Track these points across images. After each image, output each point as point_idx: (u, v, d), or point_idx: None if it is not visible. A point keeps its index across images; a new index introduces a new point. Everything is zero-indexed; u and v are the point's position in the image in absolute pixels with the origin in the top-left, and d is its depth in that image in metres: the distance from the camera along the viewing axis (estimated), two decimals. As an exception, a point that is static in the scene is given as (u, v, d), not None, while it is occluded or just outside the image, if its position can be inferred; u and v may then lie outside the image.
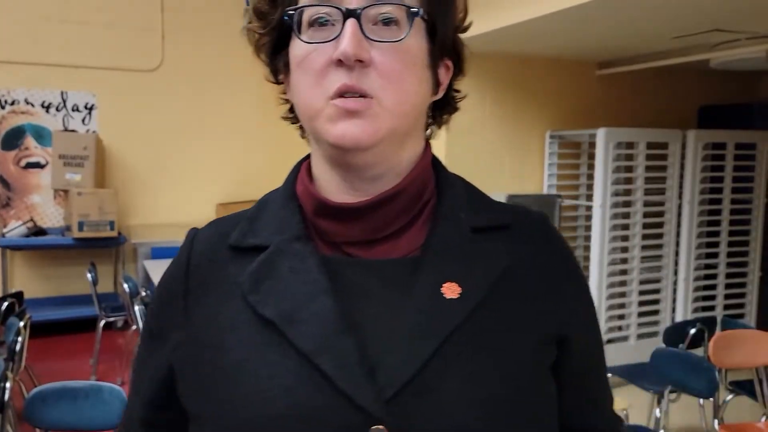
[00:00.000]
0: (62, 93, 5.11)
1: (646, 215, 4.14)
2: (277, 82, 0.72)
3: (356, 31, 0.60)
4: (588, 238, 4.27)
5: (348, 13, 0.61)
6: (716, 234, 4.31)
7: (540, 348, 0.66)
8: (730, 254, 4.36)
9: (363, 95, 0.61)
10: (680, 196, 4.19)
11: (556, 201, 4.30)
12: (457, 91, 0.75)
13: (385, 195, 0.66)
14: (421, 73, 0.66)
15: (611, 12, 3.03)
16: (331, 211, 0.67)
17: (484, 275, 0.65)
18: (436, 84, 0.69)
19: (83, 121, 5.19)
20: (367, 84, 0.61)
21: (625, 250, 4.15)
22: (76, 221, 4.69)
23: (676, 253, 4.25)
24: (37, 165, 5.09)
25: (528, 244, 0.69)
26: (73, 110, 5.16)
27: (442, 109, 0.74)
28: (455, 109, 0.76)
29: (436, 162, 0.74)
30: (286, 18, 0.64)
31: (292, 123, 0.74)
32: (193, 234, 0.73)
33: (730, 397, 3.00)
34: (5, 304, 3.47)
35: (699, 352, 3.15)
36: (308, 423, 0.58)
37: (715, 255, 4.32)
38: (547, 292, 0.68)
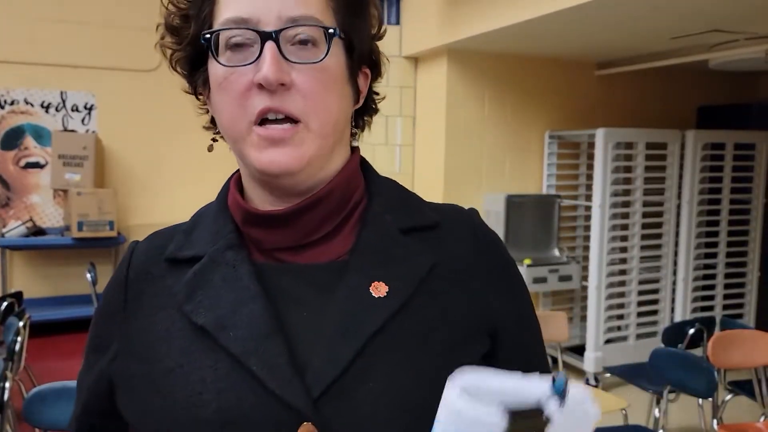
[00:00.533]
0: (62, 93, 5.11)
1: (645, 215, 4.14)
2: (196, 95, 0.72)
3: (276, 54, 0.61)
4: (587, 238, 4.28)
5: (266, 36, 0.61)
6: (715, 234, 4.31)
7: (467, 342, 0.66)
8: (729, 254, 4.37)
9: (287, 116, 0.62)
10: (679, 196, 4.20)
11: (556, 201, 4.31)
12: (376, 93, 0.76)
13: (308, 201, 0.67)
14: (342, 89, 0.67)
15: (611, 12, 3.04)
16: (258, 219, 0.68)
17: (411, 274, 0.66)
18: (357, 94, 0.71)
19: (83, 121, 5.19)
20: (290, 105, 0.62)
21: (624, 250, 4.16)
22: (76, 221, 4.69)
23: (675, 253, 4.26)
24: (37, 165, 5.08)
25: (456, 241, 0.71)
26: (72, 110, 5.15)
27: (363, 113, 0.76)
28: (375, 111, 0.77)
29: (366, 167, 0.75)
30: (203, 41, 0.64)
31: (215, 134, 0.74)
32: (132, 248, 0.74)
33: (729, 397, 3.01)
34: (5, 303, 3.46)
35: (698, 352, 3.15)
36: (240, 423, 0.60)
37: (714, 255, 4.33)
38: (475, 286, 0.69)
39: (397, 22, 4.34)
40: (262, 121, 0.63)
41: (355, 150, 0.74)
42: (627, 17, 3.14)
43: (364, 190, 0.72)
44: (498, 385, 0.48)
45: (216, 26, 0.64)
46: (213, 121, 0.73)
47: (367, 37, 0.70)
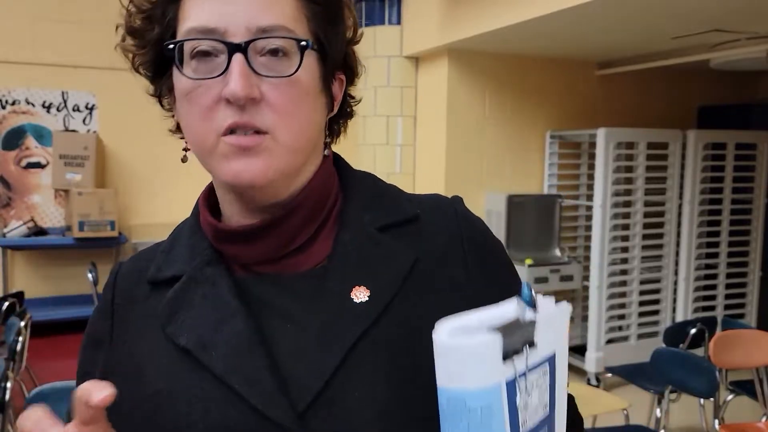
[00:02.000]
0: (63, 93, 5.11)
1: (646, 215, 4.14)
2: (160, 102, 0.70)
3: (244, 68, 0.58)
4: (588, 238, 4.27)
5: (234, 48, 0.58)
6: (716, 234, 4.31)
7: None
8: (730, 254, 4.36)
9: (256, 131, 0.59)
10: (680, 196, 4.20)
11: (557, 201, 4.30)
12: (352, 97, 0.73)
13: (281, 213, 0.64)
14: (314, 101, 0.64)
15: (611, 12, 3.03)
16: (230, 236, 0.66)
17: (393, 274, 0.64)
18: (331, 102, 0.68)
19: (84, 121, 5.19)
20: (260, 120, 0.59)
21: (625, 250, 4.15)
22: (77, 221, 4.69)
23: (677, 253, 4.25)
24: (38, 165, 5.08)
25: (437, 232, 0.68)
26: (73, 110, 5.16)
27: (338, 118, 0.72)
28: (351, 116, 0.74)
29: (340, 165, 0.72)
30: (166, 52, 0.61)
31: (181, 138, 0.72)
32: (116, 270, 0.73)
33: (730, 397, 3.00)
34: (6, 303, 3.46)
35: (699, 352, 3.15)
36: None
37: (715, 255, 4.33)
38: (459, 278, 0.66)
39: (398, 22, 4.34)
40: (231, 132, 0.60)
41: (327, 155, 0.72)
42: (628, 17, 3.14)
43: (339, 190, 0.70)
44: (477, 319, 0.51)
45: (180, 33, 0.60)
46: (179, 126, 0.70)
47: (341, 44, 0.67)
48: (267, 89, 0.59)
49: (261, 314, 0.64)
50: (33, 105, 5.04)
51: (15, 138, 5.01)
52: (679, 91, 4.85)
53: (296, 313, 0.64)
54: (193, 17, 0.60)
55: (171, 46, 0.60)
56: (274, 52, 0.60)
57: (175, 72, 0.62)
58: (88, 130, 5.19)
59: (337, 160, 0.72)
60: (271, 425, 0.58)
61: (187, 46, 0.60)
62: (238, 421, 0.59)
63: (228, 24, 0.58)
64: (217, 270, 0.66)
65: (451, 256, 0.67)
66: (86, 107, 5.19)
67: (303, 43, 0.60)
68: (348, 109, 0.73)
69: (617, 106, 4.62)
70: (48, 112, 5.08)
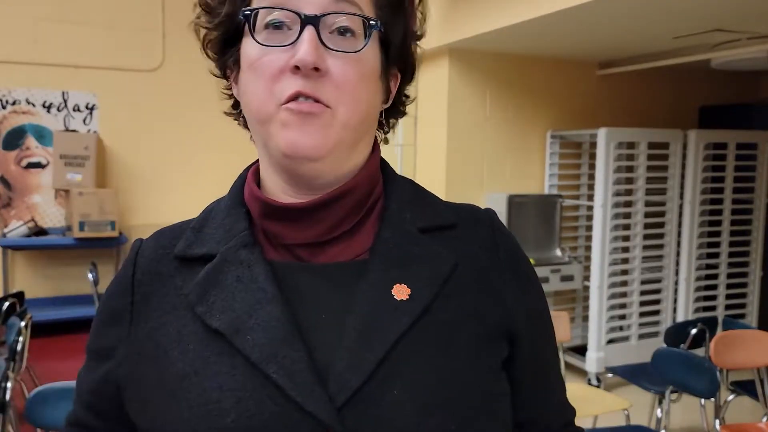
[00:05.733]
0: (63, 93, 5.11)
1: (647, 215, 4.14)
2: (225, 77, 0.71)
3: (314, 38, 0.60)
4: (589, 238, 4.27)
5: (307, 20, 0.60)
6: (717, 234, 4.31)
7: (490, 345, 0.65)
8: (731, 254, 4.36)
9: (317, 101, 0.61)
10: (681, 196, 4.19)
11: (557, 201, 4.30)
12: (407, 96, 0.74)
13: (332, 195, 0.65)
14: (375, 85, 0.65)
15: (612, 12, 3.03)
16: (279, 212, 0.66)
17: (433, 275, 0.64)
18: (387, 93, 0.69)
19: (84, 121, 5.19)
20: (322, 93, 0.60)
21: (626, 250, 4.15)
22: (77, 221, 4.69)
23: (677, 253, 4.25)
24: (38, 165, 5.08)
25: (474, 242, 0.69)
26: (74, 110, 5.16)
27: (389, 115, 0.74)
28: (403, 114, 0.75)
29: (384, 164, 0.73)
30: (241, 18, 0.63)
31: (235, 119, 0.73)
32: (138, 246, 0.71)
33: (731, 397, 3.00)
34: (6, 304, 3.46)
35: (700, 352, 3.15)
36: None
37: (716, 255, 4.32)
38: (495, 287, 0.68)
39: (399, 22, 4.34)
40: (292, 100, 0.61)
41: (376, 147, 0.72)
42: (629, 17, 3.13)
43: (382, 188, 0.71)
44: None
45: (255, 4, 0.63)
46: (235, 106, 0.72)
47: (404, 36, 0.69)
48: (332, 64, 0.61)
49: (296, 302, 0.63)
50: (33, 105, 5.03)
51: (15, 138, 5.01)
52: (680, 91, 4.85)
53: (333, 303, 0.63)
54: None
55: (247, 12, 0.62)
56: (342, 32, 0.62)
57: (245, 42, 0.64)
58: (89, 130, 5.19)
59: (382, 162, 0.73)
60: (308, 419, 0.57)
61: (261, 16, 0.62)
62: (273, 413, 0.57)
63: None
64: (253, 254, 0.65)
65: (487, 266, 0.69)
66: (87, 107, 5.18)
67: (372, 22, 0.62)
68: (401, 108, 0.74)
69: (618, 106, 4.61)
70: (48, 112, 5.08)
